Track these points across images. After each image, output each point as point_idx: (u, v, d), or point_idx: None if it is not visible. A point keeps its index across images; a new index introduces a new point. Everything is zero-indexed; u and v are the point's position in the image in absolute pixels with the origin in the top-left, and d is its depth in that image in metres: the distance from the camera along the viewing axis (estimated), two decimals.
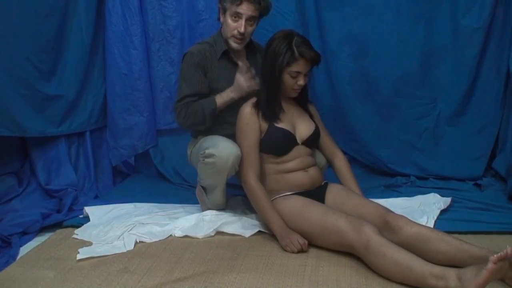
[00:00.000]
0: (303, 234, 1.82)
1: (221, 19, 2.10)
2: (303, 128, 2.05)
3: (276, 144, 1.98)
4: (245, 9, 2.00)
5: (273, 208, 1.90)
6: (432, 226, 1.96)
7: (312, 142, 2.08)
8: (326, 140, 2.17)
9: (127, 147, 2.76)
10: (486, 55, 2.53)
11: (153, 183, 2.74)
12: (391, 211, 1.79)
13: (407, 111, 2.64)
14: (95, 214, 2.21)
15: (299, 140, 2.02)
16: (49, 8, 2.38)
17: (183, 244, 1.91)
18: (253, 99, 2.03)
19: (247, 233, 1.98)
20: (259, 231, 1.99)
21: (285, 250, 1.82)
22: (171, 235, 1.99)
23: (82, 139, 2.64)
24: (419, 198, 2.26)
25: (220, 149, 1.94)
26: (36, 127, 2.37)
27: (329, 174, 2.23)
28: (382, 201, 2.06)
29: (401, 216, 1.73)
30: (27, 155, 2.52)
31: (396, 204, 2.15)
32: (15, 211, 2.19)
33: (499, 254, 1.35)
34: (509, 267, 1.41)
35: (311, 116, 2.12)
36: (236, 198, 2.32)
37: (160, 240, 1.95)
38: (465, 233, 1.93)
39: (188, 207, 2.31)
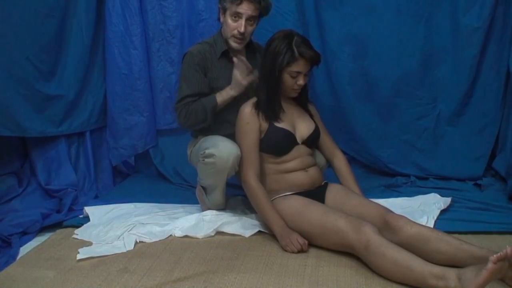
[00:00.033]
0: (303, 234, 1.82)
1: (221, 19, 2.10)
2: (303, 128, 2.05)
3: (276, 144, 1.98)
4: (245, 9, 2.00)
5: (273, 208, 1.90)
6: (432, 226, 1.96)
7: (312, 142, 2.08)
8: (326, 140, 2.17)
9: (127, 147, 2.76)
10: (486, 55, 2.53)
11: (153, 183, 2.74)
12: (391, 211, 1.79)
13: (407, 111, 2.64)
14: (95, 214, 2.21)
15: (299, 140, 2.02)
16: (49, 8, 2.38)
17: (183, 244, 1.91)
18: (253, 99, 2.03)
19: (247, 233, 1.98)
20: (259, 231, 1.99)
21: (285, 250, 1.82)
22: (171, 235, 2.00)
23: (82, 139, 2.64)
24: (419, 198, 2.26)
25: (220, 149, 1.94)
26: (36, 127, 2.37)
27: (329, 174, 2.23)
28: (382, 201, 2.06)
29: (401, 216, 1.73)
30: (27, 155, 2.52)
31: (396, 204, 2.15)
32: (15, 211, 2.19)
33: (499, 254, 1.35)
34: (509, 267, 1.41)
35: (311, 116, 2.12)
36: (236, 198, 2.32)
37: (160, 240, 1.95)
38: (465, 233, 1.93)
39: (188, 207, 2.31)
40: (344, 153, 2.30)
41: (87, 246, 1.90)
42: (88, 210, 2.23)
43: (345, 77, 2.63)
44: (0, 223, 2.05)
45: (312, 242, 1.82)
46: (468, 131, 2.61)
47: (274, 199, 1.96)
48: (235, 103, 2.08)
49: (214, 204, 2.13)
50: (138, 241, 1.94)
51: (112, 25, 2.60)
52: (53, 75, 2.45)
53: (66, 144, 2.53)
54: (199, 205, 2.26)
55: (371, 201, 1.92)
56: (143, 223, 2.06)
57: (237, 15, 2.02)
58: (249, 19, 2.03)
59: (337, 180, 2.15)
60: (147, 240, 1.95)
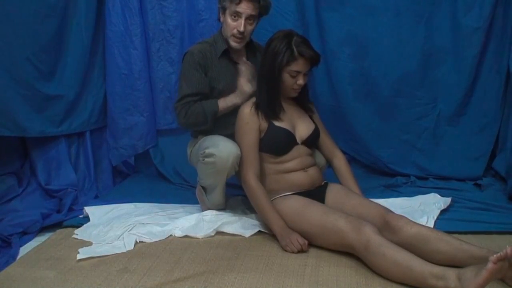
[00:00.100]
0: (303, 234, 1.82)
1: (221, 19, 2.10)
2: (302, 128, 2.05)
3: (276, 143, 1.98)
4: (245, 8, 2.01)
5: (273, 208, 1.90)
6: (432, 226, 1.96)
7: (312, 142, 2.08)
8: (325, 140, 2.17)
9: (127, 147, 2.76)
10: (486, 55, 2.53)
11: (153, 183, 2.74)
12: (391, 211, 1.79)
13: (407, 111, 2.64)
14: (95, 214, 2.21)
15: (298, 140, 2.02)
16: (49, 8, 2.38)
17: (183, 244, 1.91)
18: (253, 99, 2.03)
19: (247, 233, 1.98)
20: (259, 231, 1.99)
21: (285, 250, 1.82)
22: (171, 235, 2.00)
23: (82, 139, 2.64)
24: (419, 198, 2.26)
25: (220, 148, 1.95)
26: (36, 127, 2.37)
27: (329, 174, 2.23)
28: (382, 201, 2.06)
29: (401, 216, 1.73)
30: (27, 155, 2.52)
31: (396, 204, 2.15)
32: (15, 211, 2.18)
33: (499, 254, 1.35)
34: (509, 267, 1.41)
35: (310, 116, 2.12)
36: (236, 198, 2.32)
37: (160, 240, 1.95)
38: (465, 233, 1.93)
39: (188, 207, 2.31)
40: (344, 153, 2.30)
41: (87, 246, 1.90)
42: (88, 210, 2.23)
43: (345, 77, 2.63)
44: (0, 223, 2.05)
45: (312, 242, 1.82)
46: (468, 131, 2.61)
47: (274, 199, 1.96)
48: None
49: (214, 204, 2.13)
50: (138, 241, 1.94)
51: (112, 25, 2.60)
52: (53, 75, 2.45)
53: (66, 144, 2.53)
54: (199, 205, 2.26)
55: (371, 201, 1.92)
56: (143, 223, 2.06)
57: (236, 15, 2.02)
58: (248, 18, 2.03)
59: (337, 180, 2.14)
60: (147, 240, 1.95)
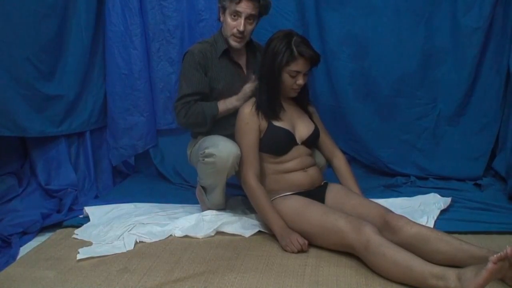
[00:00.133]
0: (303, 234, 1.82)
1: (221, 18, 2.10)
2: (302, 128, 2.05)
3: (276, 143, 1.98)
4: (244, 8, 2.01)
5: (273, 208, 1.90)
6: (432, 226, 1.96)
7: (312, 142, 2.08)
8: (325, 140, 2.17)
9: (127, 147, 2.76)
10: (486, 55, 2.53)
11: (153, 183, 2.74)
12: (391, 211, 1.79)
13: (407, 111, 2.64)
14: (95, 214, 2.21)
15: (298, 140, 2.02)
16: (49, 8, 2.38)
17: (183, 244, 1.91)
18: (253, 99, 2.03)
19: (247, 233, 1.98)
20: (259, 231, 1.99)
21: (285, 250, 1.82)
22: (171, 235, 2.00)
23: (82, 139, 2.64)
24: (419, 198, 2.26)
25: (220, 148, 1.94)
26: (36, 127, 2.37)
27: (329, 174, 2.23)
28: (382, 201, 2.06)
29: (401, 216, 1.73)
30: (27, 155, 2.52)
31: (396, 204, 2.15)
32: (15, 211, 2.18)
33: (499, 254, 1.35)
34: (509, 267, 1.41)
35: (310, 116, 2.12)
36: (236, 198, 2.32)
37: (160, 240, 1.95)
38: (465, 233, 1.93)
39: (188, 207, 2.31)
40: (344, 153, 2.30)
41: (87, 246, 1.90)
42: (88, 210, 2.23)
43: (345, 77, 2.63)
44: (0, 223, 2.05)
45: (312, 242, 1.82)
46: (468, 131, 2.61)
47: (274, 199, 1.96)
48: None
49: (214, 204, 2.13)
50: (138, 241, 1.94)
51: (112, 25, 2.60)
52: (53, 75, 2.45)
53: (66, 144, 2.53)
54: (199, 205, 2.26)
55: (371, 201, 1.92)
56: (143, 223, 2.06)
57: (236, 14, 2.02)
58: (248, 17, 2.03)
59: (337, 180, 2.14)
60: (147, 240, 1.95)
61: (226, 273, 1.66)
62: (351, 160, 2.67)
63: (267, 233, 1.96)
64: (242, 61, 2.18)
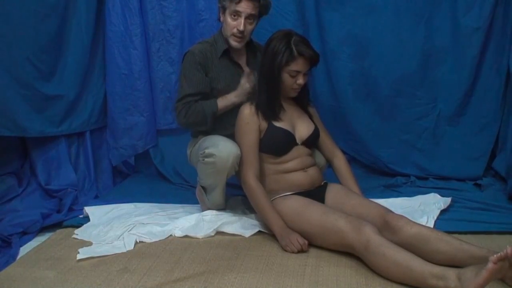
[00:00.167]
0: (303, 234, 1.82)
1: (221, 18, 2.10)
2: (302, 128, 2.05)
3: (276, 144, 1.98)
4: (244, 7, 2.01)
5: (272, 208, 1.90)
6: (432, 226, 1.96)
7: (312, 142, 2.08)
8: (325, 140, 2.16)
9: (127, 147, 2.76)
10: (486, 55, 2.53)
11: (153, 183, 2.74)
12: (391, 211, 1.79)
13: (407, 111, 2.64)
14: (95, 214, 2.21)
15: (298, 141, 2.02)
16: (49, 8, 2.38)
17: (183, 244, 1.91)
18: (253, 99, 2.02)
19: (247, 233, 1.98)
20: (259, 231, 1.99)
21: (285, 250, 1.81)
22: (171, 235, 1.99)
23: (82, 139, 2.64)
24: (419, 198, 2.26)
25: (220, 148, 1.95)
26: (36, 127, 2.37)
27: (329, 174, 2.23)
28: (382, 201, 2.06)
29: (401, 216, 1.73)
30: (27, 155, 2.52)
31: (396, 204, 2.15)
32: (15, 211, 2.18)
33: (499, 254, 1.35)
34: (509, 267, 1.41)
35: (310, 117, 2.12)
36: (236, 198, 2.32)
37: (160, 240, 1.95)
38: (465, 233, 1.93)
39: (188, 207, 2.31)
40: (344, 153, 2.30)
41: (87, 246, 1.90)
42: (88, 210, 2.23)
43: (345, 77, 2.63)
44: (0, 223, 2.05)
45: (312, 242, 1.82)
46: (468, 131, 2.61)
47: (274, 199, 1.96)
48: (237, 105, 2.08)
49: (214, 204, 2.13)
50: (138, 241, 1.94)
51: (112, 25, 2.60)
52: (53, 75, 2.45)
53: (66, 144, 2.53)
54: (199, 205, 2.26)
55: (371, 201, 1.92)
56: (143, 223, 2.06)
57: (236, 14, 2.02)
58: (248, 17, 2.03)
59: (337, 180, 2.14)
60: (147, 240, 1.95)
61: (226, 273, 1.66)
62: (351, 160, 2.67)
63: (267, 233, 1.96)
64: (242, 61, 2.18)
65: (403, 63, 2.58)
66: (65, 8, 2.46)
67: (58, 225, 2.16)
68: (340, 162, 2.15)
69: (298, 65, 1.92)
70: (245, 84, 2.09)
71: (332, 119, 2.61)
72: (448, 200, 2.20)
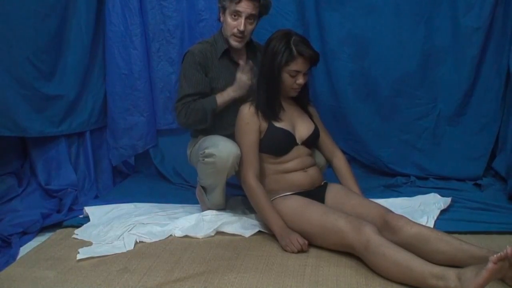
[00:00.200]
0: (303, 234, 1.82)
1: (221, 18, 2.10)
2: (302, 128, 2.05)
3: (276, 144, 1.98)
4: (245, 7, 2.01)
5: (273, 208, 1.90)
6: (432, 226, 1.96)
7: (312, 142, 2.08)
8: (325, 140, 2.16)
9: (127, 147, 2.76)
10: (486, 55, 2.53)
11: (153, 183, 2.74)
12: (391, 211, 1.79)
13: (407, 111, 2.64)
14: (95, 214, 2.21)
15: (298, 141, 2.02)
16: (49, 8, 2.38)
17: (183, 244, 1.91)
18: (253, 99, 2.03)
19: (247, 233, 1.98)
20: (259, 231, 1.99)
21: (285, 250, 1.81)
22: (171, 235, 1.99)
23: (82, 139, 2.64)
24: (419, 198, 2.26)
25: (220, 148, 1.95)
26: (36, 127, 2.37)
27: (329, 174, 2.23)
28: (382, 201, 2.06)
29: (401, 216, 1.73)
30: (27, 155, 2.52)
31: (396, 204, 2.15)
32: (15, 211, 2.18)
33: (499, 254, 1.35)
34: (509, 267, 1.41)
35: (310, 116, 2.12)
36: (236, 198, 2.32)
37: (160, 240, 1.95)
38: (465, 233, 1.93)
39: (188, 207, 2.31)
40: (344, 153, 2.30)
41: (87, 246, 1.90)
42: (88, 210, 2.23)
43: (345, 77, 2.63)
44: (0, 223, 2.05)
45: (312, 242, 1.82)
46: (468, 131, 2.61)
47: (274, 199, 1.96)
48: (236, 104, 2.08)
49: (214, 204, 2.13)
50: (138, 241, 1.94)
51: (112, 25, 2.60)
52: (53, 75, 2.45)
53: (66, 144, 2.53)
54: (199, 205, 2.26)
55: (371, 201, 1.92)
56: (143, 223, 2.06)
57: (236, 14, 2.03)
58: (248, 17, 2.03)
59: (337, 180, 2.14)
60: (147, 240, 1.95)
61: (226, 273, 1.66)
62: (351, 160, 2.67)
63: (267, 233, 1.96)
64: (242, 61, 2.18)
65: (403, 63, 2.58)
66: (65, 8, 2.46)
67: (58, 225, 2.16)
68: (340, 162, 2.15)
69: (298, 64, 1.92)
70: (241, 77, 2.08)
71: (332, 119, 2.61)
72: (448, 200, 2.20)
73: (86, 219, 2.20)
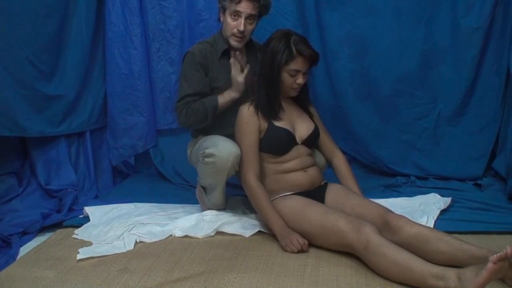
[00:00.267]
0: (303, 234, 1.82)
1: (221, 19, 2.10)
2: (302, 128, 2.05)
3: (276, 143, 1.98)
4: (244, 7, 2.01)
5: (273, 208, 1.90)
6: (432, 226, 1.96)
7: (312, 142, 2.08)
8: (325, 140, 2.17)
9: (127, 147, 2.76)
10: (486, 55, 2.53)
11: (153, 183, 2.74)
12: (391, 211, 1.79)
13: (407, 111, 2.64)
14: (95, 214, 2.21)
15: (298, 140, 2.02)
16: (49, 8, 2.38)
17: (183, 244, 1.91)
18: (252, 99, 2.03)
19: (247, 233, 1.98)
20: (259, 231, 1.99)
21: (285, 250, 1.82)
22: (171, 235, 1.99)
23: (82, 139, 2.64)
24: (419, 198, 2.26)
25: (220, 148, 1.95)
26: (36, 127, 2.37)
27: (329, 174, 2.23)
28: (382, 201, 2.06)
29: (401, 216, 1.73)
30: (27, 155, 2.52)
31: (396, 204, 2.15)
32: (15, 211, 2.19)
33: (499, 254, 1.35)
34: (509, 267, 1.41)
35: (310, 116, 2.12)
36: (236, 198, 2.32)
37: (160, 240, 1.95)
38: (465, 233, 1.93)
39: (188, 207, 2.31)
40: (344, 153, 2.30)
41: (87, 246, 1.90)
42: (88, 210, 2.23)
43: (345, 77, 2.63)
44: (0, 223, 2.05)
45: (312, 242, 1.82)
46: (468, 131, 2.61)
47: (274, 199, 1.96)
48: (236, 104, 2.08)
49: (214, 204, 2.13)
50: (138, 241, 1.94)
51: (112, 25, 2.60)
52: (53, 75, 2.45)
53: (66, 144, 2.53)
54: (199, 205, 2.26)
55: (371, 201, 1.92)
56: (143, 223, 2.06)
57: (236, 14, 2.03)
58: (248, 17, 2.03)
59: (337, 180, 2.14)
60: (147, 240, 1.95)
61: (226, 273, 1.66)
62: (351, 160, 2.67)
63: (267, 233, 1.96)
64: (243, 61, 2.18)
65: (403, 63, 2.58)
66: (65, 8, 2.46)
67: (58, 225, 2.16)
68: (340, 162, 2.15)
69: (297, 64, 1.92)
70: (235, 77, 2.08)
71: (332, 119, 2.61)
72: (448, 200, 2.20)
73: (86, 219, 2.20)
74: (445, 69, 2.58)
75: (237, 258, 1.78)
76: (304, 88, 2.06)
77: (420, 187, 2.48)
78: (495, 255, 1.35)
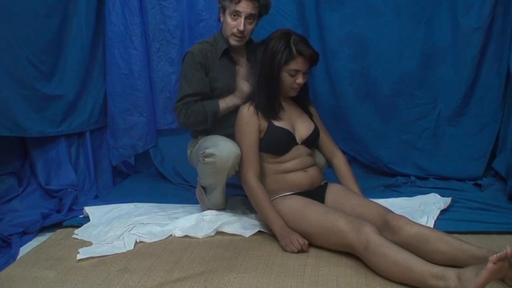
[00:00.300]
0: (303, 234, 1.82)
1: (221, 18, 2.10)
2: (302, 128, 2.05)
3: (276, 143, 1.98)
4: (244, 7, 2.01)
5: (273, 208, 1.90)
6: (432, 226, 1.96)
7: (312, 142, 2.08)
8: (325, 140, 2.17)
9: (127, 147, 2.76)
10: (486, 55, 2.53)
11: (153, 183, 2.74)
12: (391, 211, 1.79)
13: (407, 111, 2.64)
14: (95, 214, 2.21)
15: (298, 140, 2.02)
16: (49, 8, 2.38)
17: (183, 244, 1.91)
18: (253, 99, 2.03)
19: (247, 233, 1.98)
20: (259, 231, 1.99)
21: (285, 250, 1.82)
22: (171, 235, 2.00)
23: (82, 139, 2.64)
24: (419, 198, 2.26)
25: (220, 148, 1.95)
26: (36, 127, 2.37)
27: (329, 174, 2.23)
28: (382, 201, 2.06)
29: (401, 216, 1.73)
30: (27, 155, 2.52)
31: (396, 204, 2.15)
32: (15, 211, 2.19)
33: (499, 254, 1.35)
34: (509, 267, 1.41)
35: (310, 116, 2.12)
36: (236, 198, 2.32)
37: (160, 240, 1.95)
38: (465, 233, 1.93)
39: (188, 207, 2.31)
40: (344, 153, 2.30)
41: (87, 246, 1.90)
42: (88, 210, 2.24)
43: (345, 77, 2.63)
44: (0, 223, 2.05)
45: (312, 242, 1.82)
46: (468, 131, 2.61)
47: (274, 199, 1.96)
48: None
49: (214, 204, 2.13)
50: (138, 241, 1.94)
51: (112, 25, 2.60)
52: (53, 75, 2.45)
53: (66, 144, 2.53)
54: (199, 205, 2.26)
55: (371, 201, 1.92)
56: (143, 223, 2.06)
57: (236, 14, 2.03)
58: (248, 17, 2.03)
59: (337, 180, 2.14)
60: (147, 240, 1.95)
61: (226, 273, 1.66)
62: (351, 160, 2.67)
63: (267, 233, 1.96)
64: (243, 61, 2.18)
65: (403, 63, 2.58)
66: (65, 8, 2.46)
67: (58, 225, 2.16)
68: (340, 162, 2.15)
69: (297, 64, 1.92)
70: (241, 85, 2.08)
71: (332, 119, 2.61)
72: (448, 200, 2.20)
73: (86, 219, 2.20)
74: (445, 69, 2.58)
75: (237, 258, 1.78)
76: (304, 88, 2.06)
77: (420, 187, 2.48)
78: (495, 255, 1.35)
